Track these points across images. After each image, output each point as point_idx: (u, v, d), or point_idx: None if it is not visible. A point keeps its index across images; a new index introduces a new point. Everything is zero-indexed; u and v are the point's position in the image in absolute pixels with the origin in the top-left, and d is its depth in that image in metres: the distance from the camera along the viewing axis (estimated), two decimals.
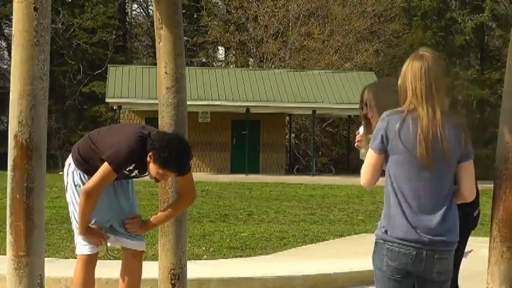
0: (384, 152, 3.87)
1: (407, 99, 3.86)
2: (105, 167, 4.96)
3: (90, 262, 5.28)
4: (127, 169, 5.06)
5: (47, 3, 3.95)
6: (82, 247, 5.25)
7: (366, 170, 3.94)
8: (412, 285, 3.94)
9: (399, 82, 3.93)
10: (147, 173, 5.13)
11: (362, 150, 4.74)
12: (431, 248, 3.79)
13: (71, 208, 5.28)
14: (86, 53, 41.05)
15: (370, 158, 3.93)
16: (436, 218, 3.81)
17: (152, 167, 4.94)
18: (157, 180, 5.06)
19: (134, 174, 5.16)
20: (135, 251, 5.36)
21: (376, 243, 3.92)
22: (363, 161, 4.37)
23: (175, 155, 4.87)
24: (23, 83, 3.92)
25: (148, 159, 4.94)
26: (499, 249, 4.18)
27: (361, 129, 4.74)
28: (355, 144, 4.81)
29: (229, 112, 32.68)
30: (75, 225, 5.24)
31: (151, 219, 5.32)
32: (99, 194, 5.03)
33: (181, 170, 5.00)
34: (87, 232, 5.15)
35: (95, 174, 5.00)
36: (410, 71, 3.87)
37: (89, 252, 5.25)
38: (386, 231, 3.85)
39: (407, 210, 3.81)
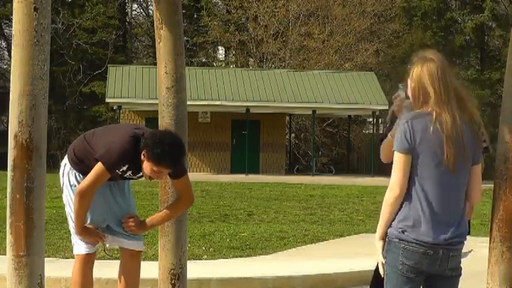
0: (411, 153, 3.86)
1: (428, 102, 3.87)
2: (98, 166, 4.96)
3: (88, 262, 5.28)
4: (120, 170, 5.06)
5: (47, 3, 3.95)
6: (79, 247, 5.25)
7: (398, 174, 3.86)
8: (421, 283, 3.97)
9: (412, 85, 3.92)
10: (141, 174, 5.12)
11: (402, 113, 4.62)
12: (447, 247, 3.85)
13: (67, 209, 5.28)
14: (86, 53, 41.03)
15: (400, 160, 3.86)
16: (455, 220, 3.88)
17: (146, 165, 4.92)
18: (151, 179, 5.03)
19: (128, 175, 5.14)
20: (133, 251, 5.36)
21: (389, 241, 3.92)
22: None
23: (168, 150, 4.83)
24: (23, 83, 3.92)
25: (142, 157, 4.93)
26: (499, 249, 4.18)
27: (402, 93, 4.65)
28: (393, 109, 4.69)
29: (229, 112, 32.67)
30: (71, 226, 5.25)
31: (148, 220, 5.31)
32: (93, 194, 5.03)
33: (175, 165, 4.94)
34: (84, 232, 5.14)
35: (88, 175, 5.00)
36: (427, 74, 3.88)
37: (87, 252, 5.24)
38: (403, 232, 3.86)
39: (428, 212, 3.84)
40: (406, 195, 3.88)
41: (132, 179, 5.26)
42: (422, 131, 3.83)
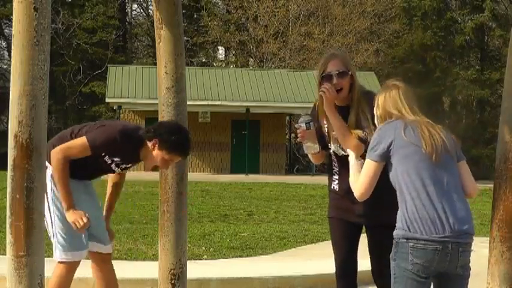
0: (385, 159, 3.96)
1: (393, 117, 4.06)
2: (80, 139, 5.00)
3: (75, 269, 5.25)
4: (114, 160, 5.08)
5: (47, 3, 3.95)
6: (73, 254, 5.15)
7: (365, 180, 4.03)
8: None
9: (378, 113, 4.14)
10: (129, 165, 5.20)
11: (307, 144, 4.84)
12: (456, 241, 3.85)
13: (47, 214, 5.04)
14: (86, 53, 41.05)
15: (369, 168, 4.01)
16: (457, 208, 3.88)
17: (157, 154, 4.96)
18: (154, 169, 5.09)
19: (120, 166, 5.20)
20: (105, 255, 5.36)
21: (396, 243, 3.92)
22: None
23: (185, 138, 4.94)
24: (23, 83, 3.91)
25: (151, 147, 4.97)
26: (499, 249, 4.18)
27: (303, 124, 4.83)
28: (299, 140, 4.88)
29: (229, 112, 32.68)
30: (52, 231, 5.14)
31: (105, 217, 5.42)
32: (67, 160, 4.94)
33: (188, 153, 5.02)
34: (73, 211, 4.97)
35: (69, 142, 5.02)
36: (390, 99, 4.10)
37: (76, 259, 5.19)
38: (409, 229, 3.86)
39: (427, 203, 3.85)
40: (402, 193, 3.90)
41: (125, 168, 5.29)
42: (395, 131, 3.95)
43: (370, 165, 3.99)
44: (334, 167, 4.94)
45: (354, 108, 4.76)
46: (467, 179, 4.02)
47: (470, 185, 4.03)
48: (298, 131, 4.83)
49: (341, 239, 4.93)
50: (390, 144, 3.92)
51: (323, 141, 4.90)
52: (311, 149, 4.85)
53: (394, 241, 3.93)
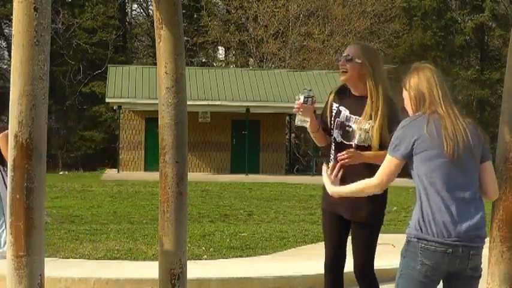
0: (407, 158, 3.93)
1: (425, 105, 3.98)
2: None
3: None
4: None
5: (47, 3, 3.95)
6: None
7: (384, 175, 4.00)
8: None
9: (412, 93, 4.03)
10: None
11: (299, 116, 4.99)
12: (467, 245, 3.83)
13: None
14: (86, 53, 41.06)
15: (390, 164, 3.98)
16: (471, 212, 3.87)
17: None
18: None
19: None
20: None
21: (408, 242, 3.92)
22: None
23: None
24: (23, 83, 3.92)
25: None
26: (499, 249, 4.18)
27: (302, 97, 5.12)
28: (294, 110, 5.03)
29: (229, 112, 32.69)
30: None
31: None
32: None
33: None
34: None
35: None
36: (425, 79, 4.01)
37: None
38: (421, 229, 3.86)
39: (442, 206, 3.84)
40: (420, 193, 3.90)
41: None
42: (419, 130, 3.89)
43: (391, 162, 3.96)
44: (331, 154, 5.22)
45: (371, 101, 4.98)
46: (489, 182, 3.99)
47: (492, 187, 4.00)
48: (296, 102, 5.09)
49: (331, 232, 5.32)
50: (414, 143, 3.89)
51: (326, 126, 5.21)
52: (302, 122, 5.14)
53: (406, 239, 3.95)
